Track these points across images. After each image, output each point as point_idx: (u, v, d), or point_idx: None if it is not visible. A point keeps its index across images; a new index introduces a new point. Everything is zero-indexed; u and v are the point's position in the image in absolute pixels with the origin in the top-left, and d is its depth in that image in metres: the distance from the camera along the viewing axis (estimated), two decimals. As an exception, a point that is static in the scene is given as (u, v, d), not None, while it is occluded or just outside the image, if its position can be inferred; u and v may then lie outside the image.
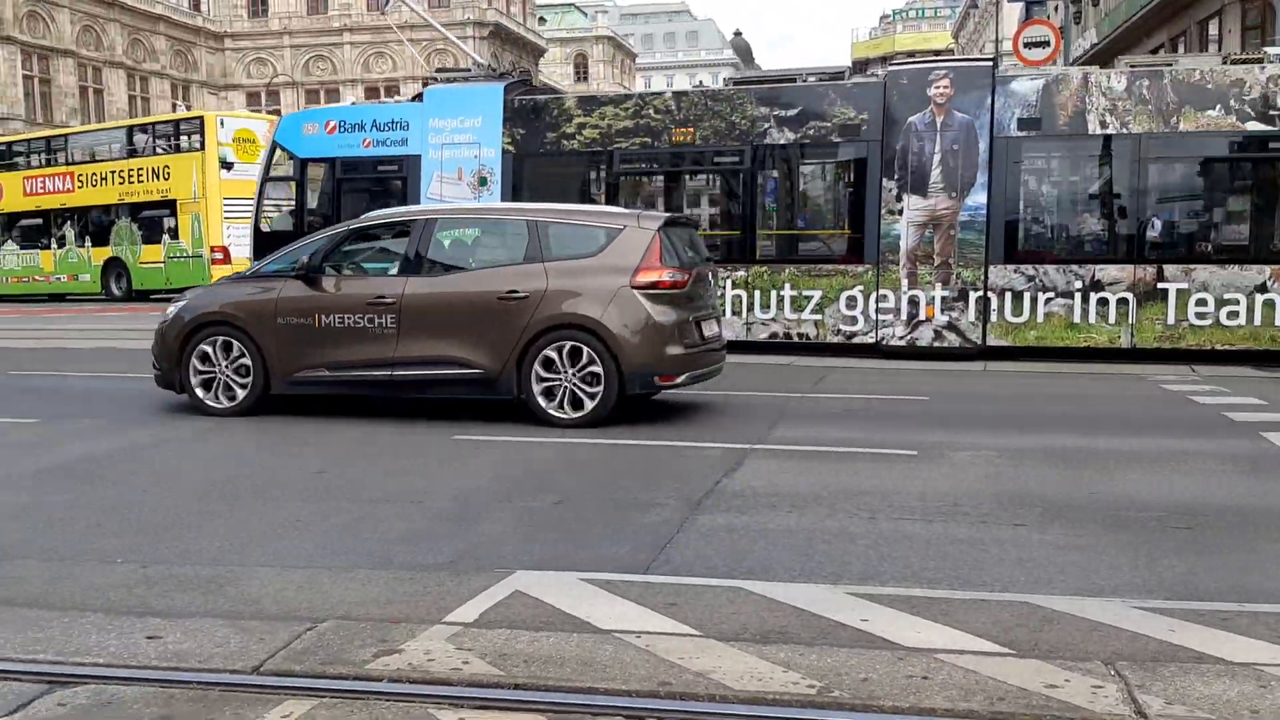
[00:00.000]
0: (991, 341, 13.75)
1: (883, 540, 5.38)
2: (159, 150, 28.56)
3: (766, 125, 14.39)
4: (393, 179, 15.84)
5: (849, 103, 14.15)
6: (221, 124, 27.75)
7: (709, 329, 9.32)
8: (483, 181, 15.34)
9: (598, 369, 8.64)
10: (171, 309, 9.93)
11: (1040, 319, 13.54)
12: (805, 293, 14.32)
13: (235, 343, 9.35)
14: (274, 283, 9.47)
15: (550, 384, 8.76)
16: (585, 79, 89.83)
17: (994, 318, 13.70)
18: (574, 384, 8.72)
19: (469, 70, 17.74)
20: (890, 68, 14.94)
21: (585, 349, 8.65)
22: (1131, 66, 13.90)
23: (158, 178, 27.95)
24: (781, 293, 14.40)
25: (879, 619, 4.19)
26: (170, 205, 27.68)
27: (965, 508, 6.03)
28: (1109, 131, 13.36)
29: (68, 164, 30.19)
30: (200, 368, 9.45)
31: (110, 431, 8.69)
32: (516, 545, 5.34)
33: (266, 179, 16.82)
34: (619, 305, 8.66)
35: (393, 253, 9.64)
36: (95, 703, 3.49)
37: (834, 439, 8.17)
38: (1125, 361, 13.41)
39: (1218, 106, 13.03)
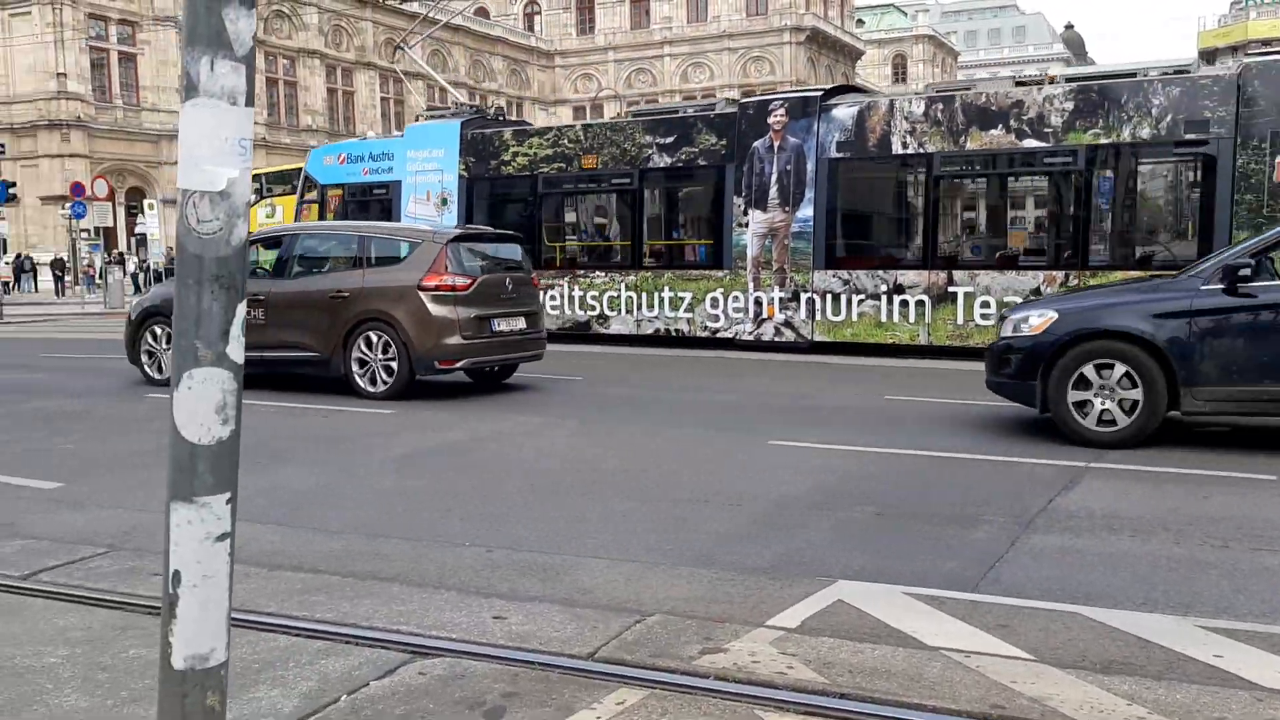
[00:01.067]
0: (817, 338, 15.65)
1: (1238, 572, 4.95)
2: None
3: (650, 151, 16.86)
4: (384, 200, 18.86)
5: (712, 131, 16.42)
6: None
7: (505, 324, 11.30)
8: (444, 202, 18.21)
9: (393, 354, 10.74)
10: (133, 302, 13.39)
11: (855, 318, 15.33)
12: (680, 294, 16.69)
13: (166, 329, 11.91)
14: None
15: (365, 365, 10.92)
16: (903, 80, 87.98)
17: (818, 316, 15.61)
18: (379, 365, 10.85)
19: (451, 108, 20.54)
20: (742, 100, 17.16)
21: (386, 338, 10.74)
22: (938, 91, 15.57)
23: None
24: (662, 294, 16.81)
25: (1234, 656, 3.87)
26: None
27: (1338, 542, 5.43)
28: (909, 151, 14.89)
29: None
30: (149, 347, 12.32)
31: (452, 424, 9.39)
32: (837, 554, 5.32)
33: (301, 201, 20.16)
34: (409, 303, 10.73)
35: (272, 259, 12.01)
36: (451, 674, 3.79)
37: (1181, 460, 7.57)
38: (926, 357, 14.57)
39: (999, 126, 14.31)
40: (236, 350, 2.37)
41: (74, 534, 5.78)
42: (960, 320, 14.52)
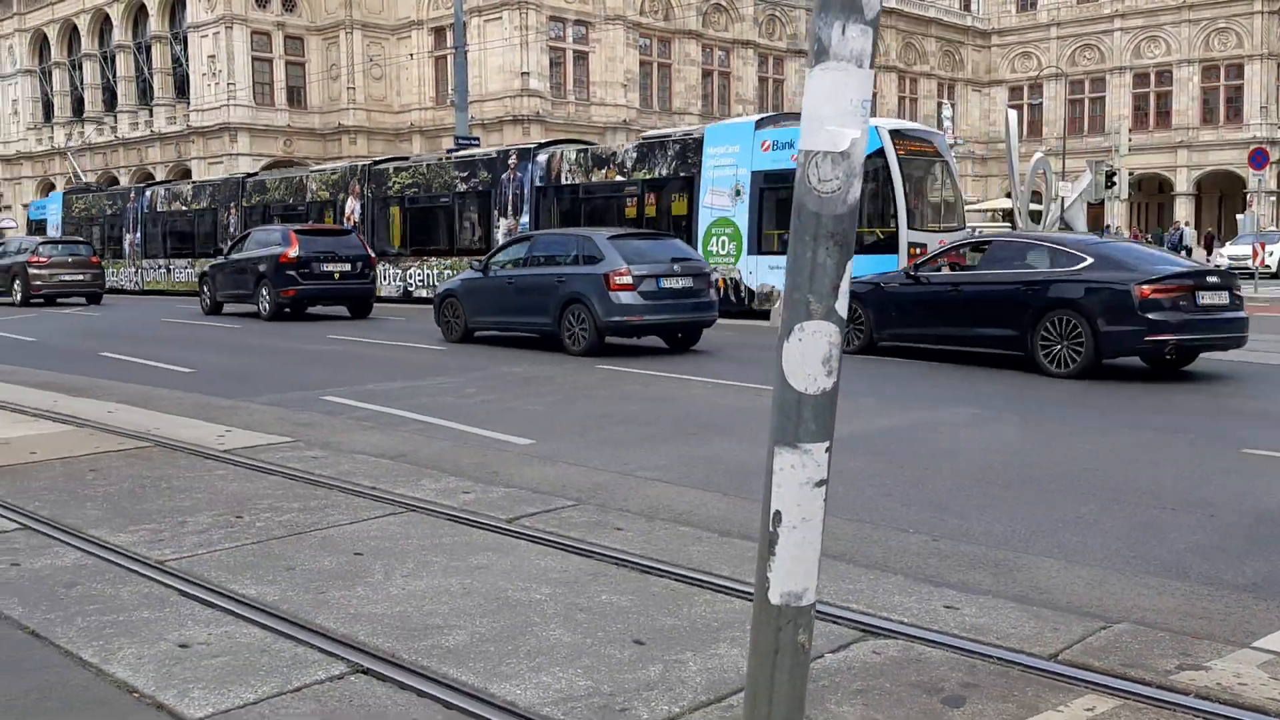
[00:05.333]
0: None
1: None
2: None
3: (107, 207, 34.78)
4: (44, 228, 37.10)
5: (117, 199, 35.13)
6: None
7: (69, 276, 25.94)
8: (58, 228, 35.39)
9: (20, 288, 26.51)
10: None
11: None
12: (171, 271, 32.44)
13: None
14: None
15: (3, 293, 27.12)
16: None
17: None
18: (16, 293, 26.60)
19: (88, 183, 43.68)
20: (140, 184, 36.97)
21: (19, 282, 26.42)
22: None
23: None
24: (147, 273, 32.92)
25: None
26: None
27: None
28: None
29: None
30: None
31: (887, 410, 9.29)
32: (1336, 578, 4.72)
33: (31, 228, 40.38)
34: (24, 270, 25.86)
35: None
36: (905, 657, 3.76)
37: None
38: None
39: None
40: (844, 306, 2.42)
41: (547, 485, 6.35)
42: None
